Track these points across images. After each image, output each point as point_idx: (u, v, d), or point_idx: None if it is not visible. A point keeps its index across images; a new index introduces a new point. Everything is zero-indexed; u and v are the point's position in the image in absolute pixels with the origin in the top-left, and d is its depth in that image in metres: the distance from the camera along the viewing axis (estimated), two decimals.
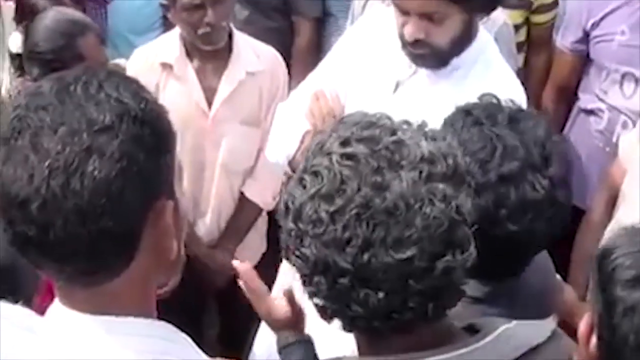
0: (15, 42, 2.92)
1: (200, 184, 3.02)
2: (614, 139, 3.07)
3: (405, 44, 2.21)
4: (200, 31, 2.84)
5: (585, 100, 3.22)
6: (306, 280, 1.27)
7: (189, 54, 2.96)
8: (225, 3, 2.85)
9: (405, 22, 2.16)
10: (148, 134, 1.12)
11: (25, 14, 2.98)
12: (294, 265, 1.29)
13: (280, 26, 3.63)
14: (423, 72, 2.28)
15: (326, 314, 1.29)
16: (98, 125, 1.08)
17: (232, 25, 2.96)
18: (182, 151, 2.47)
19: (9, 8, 3.32)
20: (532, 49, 3.47)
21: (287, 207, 1.27)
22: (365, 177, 1.20)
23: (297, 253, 1.25)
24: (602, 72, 3.09)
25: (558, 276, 2.57)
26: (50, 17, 2.76)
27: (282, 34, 3.57)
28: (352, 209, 1.19)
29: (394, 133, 1.25)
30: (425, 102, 2.23)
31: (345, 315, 1.26)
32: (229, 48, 2.95)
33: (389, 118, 1.30)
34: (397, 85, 2.31)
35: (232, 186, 3.07)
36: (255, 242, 3.20)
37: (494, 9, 2.26)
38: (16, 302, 1.45)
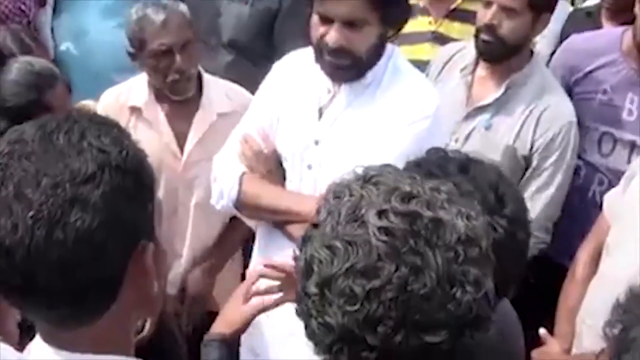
0: None
1: (174, 226, 3.00)
2: (589, 196, 3.05)
3: (324, 55, 2.35)
4: (170, 78, 2.85)
5: None
6: (324, 348, 1.25)
7: (158, 98, 2.96)
8: (192, 48, 2.87)
9: (326, 31, 2.33)
10: (130, 182, 1.14)
11: None
12: (310, 330, 1.25)
13: (266, 72, 3.61)
14: (341, 93, 2.42)
15: None
16: (80, 177, 1.10)
17: (200, 68, 2.98)
18: None
19: None
20: None
21: (310, 269, 1.24)
22: (403, 257, 1.18)
23: (320, 320, 1.23)
24: (581, 129, 3.04)
25: (543, 330, 2.55)
26: (18, 71, 2.67)
27: None
28: (389, 291, 1.18)
29: (431, 207, 1.23)
30: (348, 123, 2.41)
31: None
32: (199, 92, 2.95)
33: (421, 185, 1.27)
34: (320, 112, 2.45)
35: (211, 226, 3.04)
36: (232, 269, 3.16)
37: (401, 28, 2.46)
38: None
